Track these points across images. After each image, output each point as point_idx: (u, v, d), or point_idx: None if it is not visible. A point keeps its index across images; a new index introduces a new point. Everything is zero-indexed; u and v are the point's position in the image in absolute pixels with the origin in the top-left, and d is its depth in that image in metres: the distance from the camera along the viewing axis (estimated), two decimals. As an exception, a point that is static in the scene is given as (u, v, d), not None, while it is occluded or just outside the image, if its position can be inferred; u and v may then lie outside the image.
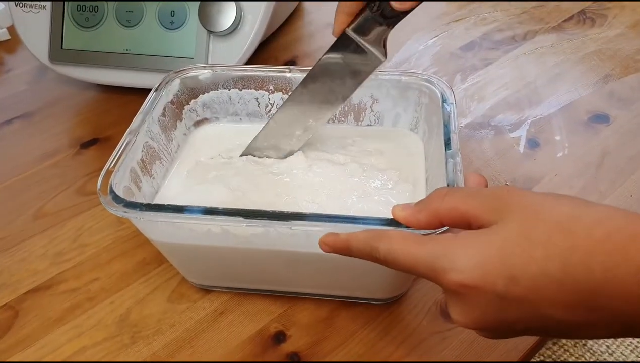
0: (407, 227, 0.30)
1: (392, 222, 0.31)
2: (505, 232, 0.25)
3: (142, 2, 0.57)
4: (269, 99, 0.46)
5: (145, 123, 0.40)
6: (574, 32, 0.68)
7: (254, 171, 0.42)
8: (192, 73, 0.45)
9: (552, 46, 0.66)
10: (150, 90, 0.43)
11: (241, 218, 0.33)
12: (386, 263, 0.29)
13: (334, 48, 0.39)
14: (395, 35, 0.64)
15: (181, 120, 0.46)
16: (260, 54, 0.66)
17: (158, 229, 0.37)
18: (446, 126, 0.37)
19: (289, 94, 0.46)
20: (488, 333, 0.27)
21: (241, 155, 0.44)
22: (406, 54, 0.66)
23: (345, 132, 0.46)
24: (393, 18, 0.36)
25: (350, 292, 0.40)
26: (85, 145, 0.57)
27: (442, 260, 0.26)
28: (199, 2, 0.55)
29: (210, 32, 0.55)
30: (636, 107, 0.57)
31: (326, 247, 0.32)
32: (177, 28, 0.57)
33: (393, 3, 0.35)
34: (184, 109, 0.46)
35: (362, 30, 0.37)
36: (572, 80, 0.61)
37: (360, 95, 0.45)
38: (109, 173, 0.36)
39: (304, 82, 0.41)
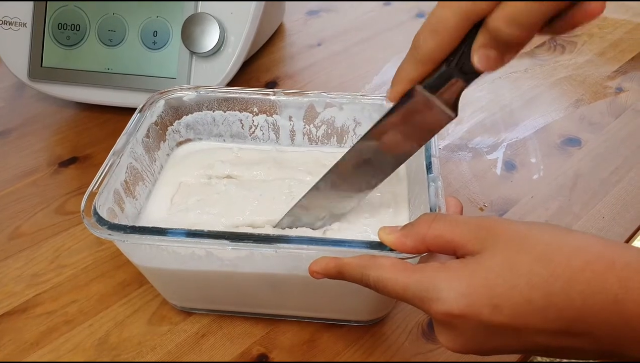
0: (393, 250, 0.31)
1: (377, 245, 0.31)
2: (489, 262, 0.26)
3: (124, 21, 0.57)
4: (253, 120, 0.47)
5: (129, 144, 0.40)
6: (545, 57, 0.71)
7: (235, 196, 0.42)
8: (177, 94, 0.45)
9: (526, 71, 0.68)
10: (131, 109, 0.43)
11: (226, 241, 0.33)
12: (376, 290, 0.30)
13: (399, 108, 0.32)
14: (376, 57, 0.65)
15: (164, 141, 0.46)
16: (242, 75, 0.67)
17: (141, 252, 0.36)
18: (427, 150, 0.38)
19: (273, 116, 0.46)
20: (476, 354, 0.28)
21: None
22: (385, 77, 0.67)
23: (326, 152, 0.47)
24: (472, 74, 0.30)
25: (333, 314, 0.41)
26: (64, 163, 0.56)
27: (430, 290, 0.27)
28: (183, 22, 0.56)
29: (193, 52, 0.56)
30: (605, 131, 0.59)
31: (317, 274, 0.32)
32: (159, 48, 0.57)
33: (476, 62, 0.28)
34: (167, 130, 0.46)
35: (435, 87, 0.31)
36: (545, 104, 0.63)
37: (343, 118, 0.46)
38: (92, 194, 0.36)
39: (363, 141, 0.34)
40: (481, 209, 0.50)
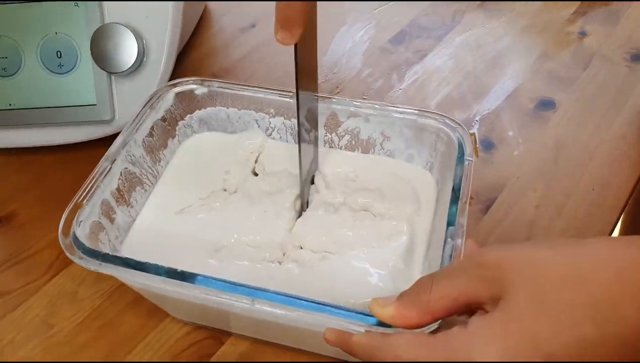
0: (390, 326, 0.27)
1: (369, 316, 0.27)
2: (516, 308, 0.23)
3: (16, 43, 0.47)
4: (269, 122, 0.42)
5: (126, 147, 0.36)
6: (499, 6, 0.65)
7: (237, 208, 0.38)
8: (188, 86, 0.42)
9: (483, 26, 0.63)
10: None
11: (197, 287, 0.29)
12: None
13: None
14: (322, 29, 0.57)
15: (174, 138, 0.42)
16: (171, 78, 0.58)
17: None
18: (454, 191, 0.31)
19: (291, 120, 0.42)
20: None
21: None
22: (335, 56, 0.60)
23: (350, 159, 0.42)
24: None
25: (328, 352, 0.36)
26: (-17, 229, 0.47)
27: None
28: (90, 37, 0.46)
29: (110, 72, 0.47)
30: (576, 87, 0.55)
31: (331, 343, 0.28)
32: (68, 72, 0.48)
33: None
34: (177, 124, 0.42)
35: None
36: (510, 63, 0.58)
37: (370, 130, 0.40)
38: (76, 206, 0.33)
39: None
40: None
